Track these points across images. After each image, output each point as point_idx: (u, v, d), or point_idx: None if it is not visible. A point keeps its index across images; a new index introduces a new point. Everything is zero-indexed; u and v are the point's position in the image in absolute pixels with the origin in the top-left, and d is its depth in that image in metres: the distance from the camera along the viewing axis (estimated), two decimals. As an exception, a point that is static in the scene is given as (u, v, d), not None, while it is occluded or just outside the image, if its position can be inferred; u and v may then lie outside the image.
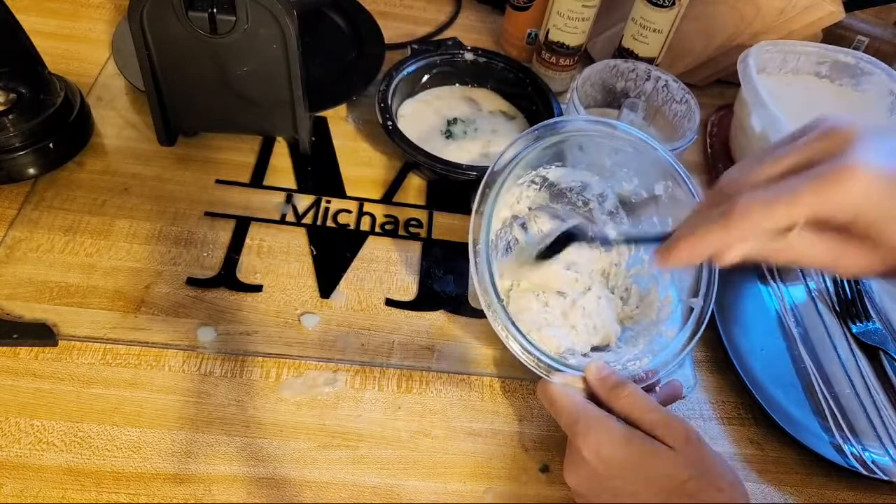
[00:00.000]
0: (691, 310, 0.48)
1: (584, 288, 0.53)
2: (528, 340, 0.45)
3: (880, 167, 0.29)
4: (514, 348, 0.45)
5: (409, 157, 0.60)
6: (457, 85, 0.71)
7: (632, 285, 0.54)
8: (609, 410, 0.41)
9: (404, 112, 0.66)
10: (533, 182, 0.54)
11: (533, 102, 0.68)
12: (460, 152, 0.63)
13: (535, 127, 0.50)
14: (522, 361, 0.45)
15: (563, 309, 0.52)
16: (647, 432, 0.39)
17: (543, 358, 0.44)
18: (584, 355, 0.50)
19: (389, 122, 0.60)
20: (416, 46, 0.68)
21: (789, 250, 0.33)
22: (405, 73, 0.66)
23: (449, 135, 0.65)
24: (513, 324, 0.45)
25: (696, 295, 0.48)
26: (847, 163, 0.29)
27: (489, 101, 0.70)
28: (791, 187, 0.31)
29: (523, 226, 0.55)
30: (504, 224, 0.54)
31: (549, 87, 0.67)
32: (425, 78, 0.68)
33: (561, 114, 0.64)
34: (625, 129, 0.51)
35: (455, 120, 0.67)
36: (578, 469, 0.41)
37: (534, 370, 0.45)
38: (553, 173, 0.54)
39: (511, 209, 0.54)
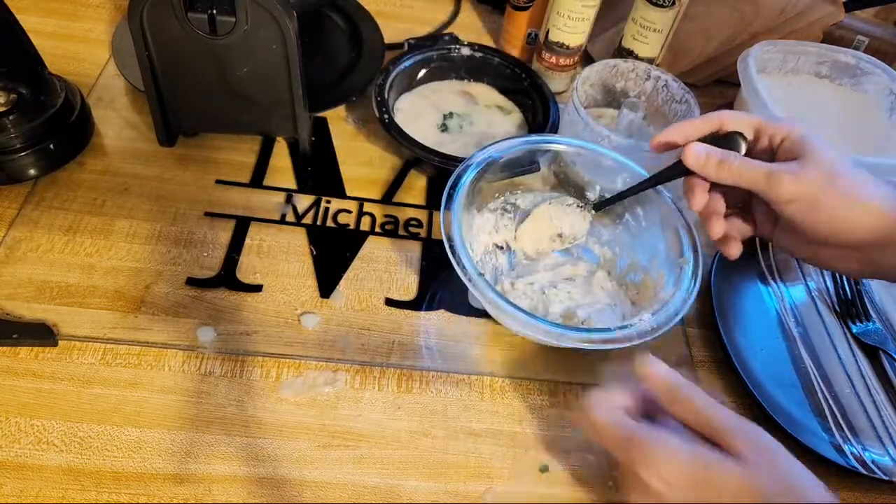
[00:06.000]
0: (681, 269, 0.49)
1: (589, 272, 0.54)
2: (519, 309, 0.44)
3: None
4: (508, 322, 0.46)
5: (406, 151, 0.60)
6: (453, 79, 0.71)
7: (627, 281, 0.55)
8: (658, 417, 0.38)
9: (401, 106, 0.67)
10: (504, 210, 0.57)
11: (529, 97, 0.68)
12: (456, 146, 0.64)
13: (521, 140, 0.53)
14: (516, 330, 0.46)
15: (583, 289, 0.53)
16: (712, 440, 0.35)
17: (534, 321, 0.44)
18: (584, 322, 0.50)
19: (386, 116, 0.60)
20: (413, 41, 0.69)
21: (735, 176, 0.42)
22: (402, 67, 0.66)
23: (445, 128, 0.66)
24: (496, 293, 0.45)
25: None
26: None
27: (485, 95, 0.70)
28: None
29: (502, 249, 0.57)
30: (486, 250, 0.55)
31: (544, 83, 0.68)
32: (422, 72, 0.69)
33: (557, 110, 0.65)
34: (613, 157, 0.54)
35: (451, 114, 0.67)
36: (640, 495, 0.36)
37: (532, 336, 0.46)
38: (522, 200, 0.57)
39: (490, 236, 0.56)
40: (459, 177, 0.50)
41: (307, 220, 0.57)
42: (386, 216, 0.59)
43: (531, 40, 0.75)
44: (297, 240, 0.56)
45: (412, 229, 0.59)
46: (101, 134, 0.60)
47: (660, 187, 0.53)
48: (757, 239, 0.62)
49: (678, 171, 0.46)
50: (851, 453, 0.49)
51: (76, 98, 0.57)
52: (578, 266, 0.55)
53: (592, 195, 0.58)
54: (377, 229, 0.58)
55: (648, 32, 0.67)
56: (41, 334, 0.46)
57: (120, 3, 0.73)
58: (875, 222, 0.40)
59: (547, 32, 0.71)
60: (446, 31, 0.79)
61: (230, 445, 0.44)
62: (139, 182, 0.57)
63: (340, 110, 0.67)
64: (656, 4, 0.65)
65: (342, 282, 0.54)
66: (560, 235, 0.56)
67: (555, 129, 0.63)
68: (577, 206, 0.56)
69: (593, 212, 0.55)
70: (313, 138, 0.63)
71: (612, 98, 0.68)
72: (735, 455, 0.34)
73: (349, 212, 0.59)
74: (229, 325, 0.49)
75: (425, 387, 0.49)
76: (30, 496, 0.40)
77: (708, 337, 0.56)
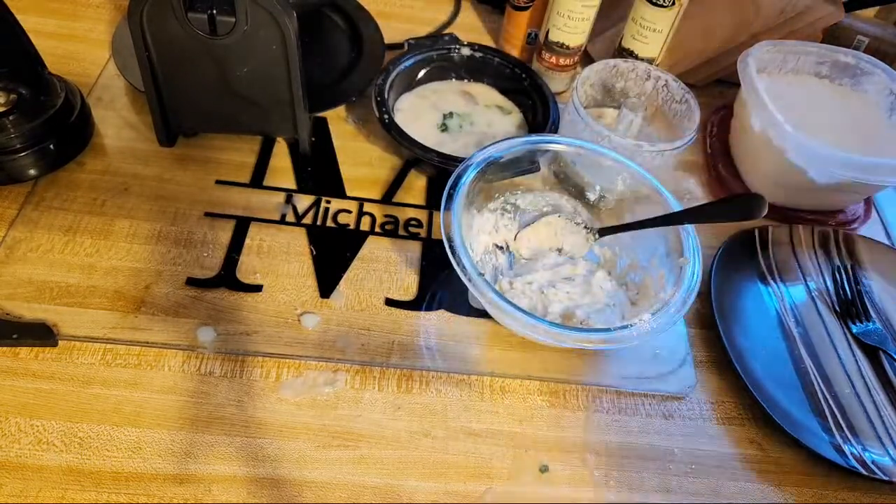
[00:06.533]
0: (681, 269, 0.49)
1: (589, 271, 0.55)
2: (520, 309, 0.45)
3: None
4: (508, 322, 0.46)
5: (406, 151, 0.60)
6: (453, 79, 0.71)
7: (628, 281, 0.55)
8: None
9: (401, 106, 0.67)
10: (504, 210, 0.57)
11: (529, 97, 0.68)
12: (456, 146, 0.64)
13: (521, 140, 0.53)
14: (516, 330, 0.46)
15: (582, 288, 0.53)
16: None
17: (534, 320, 0.44)
18: (582, 322, 0.50)
19: (386, 116, 0.60)
20: (413, 41, 0.69)
21: None
22: (402, 67, 0.66)
23: (445, 128, 0.66)
24: (496, 293, 0.45)
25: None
26: None
27: (485, 95, 0.70)
28: None
29: (502, 250, 0.57)
30: (486, 250, 0.56)
31: (544, 82, 0.68)
32: (422, 73, 0.69)
33: (557, 110, 0.65)
34: (613, 156, 0.55)
35: (451, 114, 0.67)
36: None
37: (532, 336, 0.46)
38: (522, 200, 0.57)
39: (490, 236, 0.56)
40: (459, 177, 0.50)
41: (307, 220, 0.57)
42: (386, 216, 0.59)
43: (531, 40, 0.75)
44: (297, 240, 0.56)
45: (412, 229, 0.59)
46: (101, 134, 0.60)
47: (662, 189, 0.53)
48: (757, 238, 0.62)
49: (719, 214, 0.49)
50: (851, 453, 0.49)
51: (76, 98, 0.57)
52: (578, 266, 0.55)
53: (592, 195, 0.58)
54: (377, 229, 0.58)
55: (648, 32, 0.67)
56: (41, 334, 0.46)
57: (120, 3, 0.73)
58: None
59: (547, 32, 0.71)
60: (446, 31, 0.79)
61: (230, 445, 0.44)
62: (139, 182, 0.57)
63: (340, 110, 0.67)
64: (656, 4, 0.65)
65: (342, 282, 0.54)
66: (559, 250, 0.56)
67: (555, 129, 0.63)
68: (585, 227, 0.56)
69: (597, 236, 0.55)
70: (313, 138, 0.63)
71: (612, 98, 0.68)
72: None
73: (349, 212, 0.59)
74: (229, 325, 0.49)
75: (425, 387, 0.49)
76: (30, 496, 0.40)
77: (708, 337, 0.56)
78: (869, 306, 0.59)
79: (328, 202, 0.59)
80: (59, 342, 0.46)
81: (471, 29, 0.82)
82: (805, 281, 0.61)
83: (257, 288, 0.52)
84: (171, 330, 0.48)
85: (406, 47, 0.68)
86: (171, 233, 0.54)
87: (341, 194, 0.60)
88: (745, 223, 0.63)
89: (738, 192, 0.67)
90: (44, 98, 0.54)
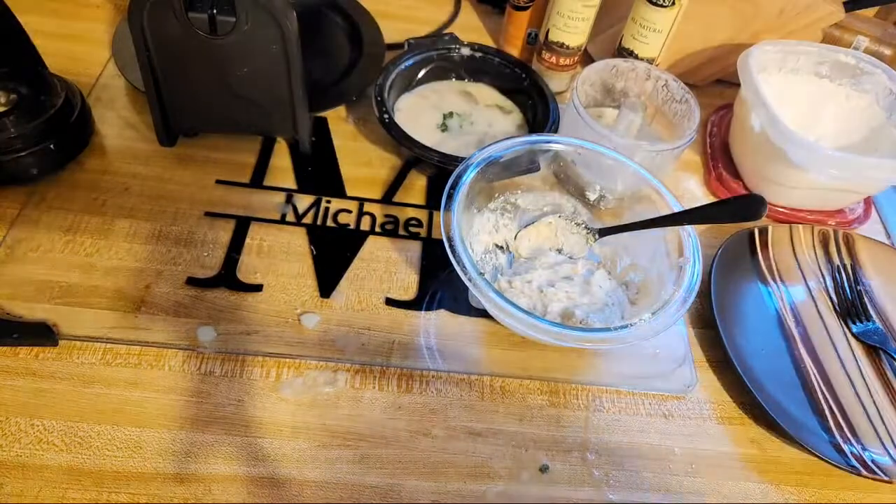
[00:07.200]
0: (681, 269, 0.49)
1: (589, 271, 0.55)
2: (520, 308, 0.45)
3: None
4: (508, 322, 0.46)
5: (406, 151, 0.60)
6: (453, 79, 0.71)
7: (628, 280, 0.55)
8: None
9: (401, 106, 0.67)
10: (504, 210, 0.57)
11: (529, 97, 0.68)
12: (456, 145, 0.64)
13: (521, 140, 0.53)
14: (516, 330, 0.46)
15: (581, 288, 0.53)
16: None
17: (538, 320, 0.44)
18: (582, 322, 0.50)
19: (386, 116, 0.60)
20: (413, 41, 0.69)
21: None
22: (402, 67, 0.66)
23: (445, 128, 0.66)
24: (496, 292, 0.45)
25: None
26: None
27: (485, 95, 0.70)
28: None
29: (502, 249, 0.57)
30: (486, 250, 0.56)
31: (544, 82, 0.68)
32: (422, 72, 0.69)
33: (557, 110, 0.65)
34: (613, 156, 0.55)
35: (451, 114, 0.67)
36: None
37: (533, 336, 0.45)
38: (522, 200, 0.58)
39: (490, 236, 0.56)
40: (459, 177, 0.50)
41: (307, 219, 0.57)
42: (386, 216, 0.59)
43: (531, 40, 0.75)
44: (298, 240, 0.56)
45: (412, 229, 0.59)
46: (101, 134, 0.60)
47: (662, 189, 0.53)
48: (757, 238, 0.62)
49: (719, 214, 0.48)
50: (851, 453, 0.49)
51: (76, 98, 0.57)
52: (578, 265, 0.55)
53: (593, 195, 0.58)
54: (377, 229, 0.58)
55: (648, 32, 0.67)
56: (41, 334, 0.46)
57: (120, 3, 0.74)
58: None
59: (547, 32, 0.71)
60: (446, 31, 0.79)
61: (230, 445, 0.44)
62: (139, 182, 0.57)
63: (340, 110, 0.67)
64: (656, 4, 0.65)
65: (342, 281, 0.54)
66: (559, 250, 0.56)
67: (555, 129, 0.63)
68: (585, 227, 0.56)
69: (597, 236, 0.56)
70: (313, 138, 0.63)
71: (612, 98, 0.68)
72: None
73: (349, 212, 0.59)
74: (229, 325, 0.49)
75: (425, 387, 0.49)
76: (30, 496, 0.40)
77: (708, 337, 0.56)
78: (869, 306, 0.59)
79: (328, 202, 0.59)
80: (60, 342, 0.46)
81: (471, 29, 0.82)
82: (805, 281, 0.61)
83: (257, 287, 0.52)
84: (171, 329, 0.48)
85: (406, 47, 0.68)
86: (172, 232, 0.54)
87: (341, 194, 0.60)
88: (745, 223, 0.63)
89: (738, 193, 0.67)
90: (44, 98, 0.54)
